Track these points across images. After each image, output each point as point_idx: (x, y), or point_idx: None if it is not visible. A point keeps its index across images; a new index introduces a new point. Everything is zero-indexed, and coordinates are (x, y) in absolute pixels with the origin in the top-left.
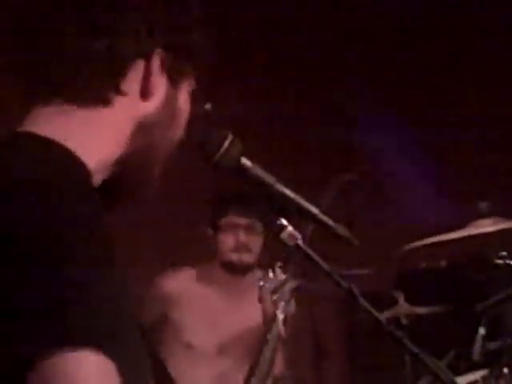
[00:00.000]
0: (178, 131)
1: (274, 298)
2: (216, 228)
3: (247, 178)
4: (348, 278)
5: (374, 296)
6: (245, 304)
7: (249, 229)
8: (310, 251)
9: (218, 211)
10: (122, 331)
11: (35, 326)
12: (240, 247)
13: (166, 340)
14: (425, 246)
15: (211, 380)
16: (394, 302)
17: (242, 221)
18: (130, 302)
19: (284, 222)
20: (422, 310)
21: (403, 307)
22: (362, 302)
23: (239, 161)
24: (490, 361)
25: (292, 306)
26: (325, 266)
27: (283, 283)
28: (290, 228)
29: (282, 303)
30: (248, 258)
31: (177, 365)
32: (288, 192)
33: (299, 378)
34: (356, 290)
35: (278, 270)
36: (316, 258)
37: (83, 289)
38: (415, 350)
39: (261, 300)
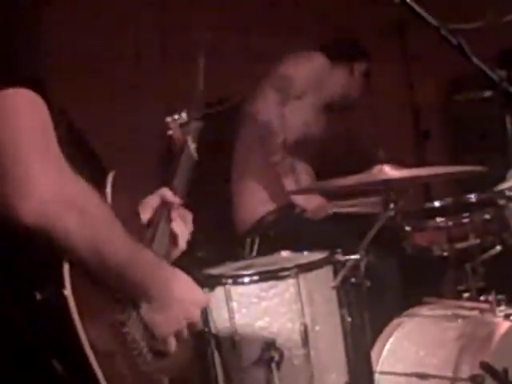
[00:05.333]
0: None
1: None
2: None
3: None
4: (455, 32)
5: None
6: None
7: None
8: (416, 6)
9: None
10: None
11: None
12: None
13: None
14: None
15: None
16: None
17: None
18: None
19: None
20: None
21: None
22: (472, 57)
23: None
24: None
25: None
26: (431, 20)
27: (188, 122)
28: None
29: (192, 134)
30: None
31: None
32: None
33: (399, 159)
34: (466, 46)
35: (183, 113)
36: (422, 12)
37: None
38: None
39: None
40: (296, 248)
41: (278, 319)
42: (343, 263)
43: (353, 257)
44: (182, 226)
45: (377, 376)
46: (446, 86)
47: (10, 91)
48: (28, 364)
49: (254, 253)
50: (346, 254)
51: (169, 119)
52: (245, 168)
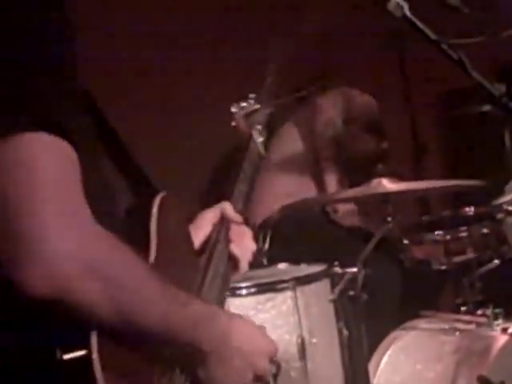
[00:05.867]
0: None
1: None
2: None
3: None
4: (455, 47)
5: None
6: None
7: None
8: (417, 21)
9: None
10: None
11: None
12: None
13: None
14: None
15: None
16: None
17: None
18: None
19: None
20: None
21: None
22: (472, 72)
23: None
24: None
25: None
26: (431, 35)
27: (256, 110)
28: None
29: (258, 126)
30: None
31: None
32: None
33: (398, 173)
34: (467, 61)
35: (250, 100)
36: (423, 27)
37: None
38: None
39: (236, 121)
40: (295, 251)
41: (275, 331)
42: (341, 276)
43: (351, 270)
44: (243, 247)
45: None
46: (445, 99)
47: (25, 136)
48: None
49: (267, 247)
50: (343, 266)
51: (234, 108)
52: (275, 159)
